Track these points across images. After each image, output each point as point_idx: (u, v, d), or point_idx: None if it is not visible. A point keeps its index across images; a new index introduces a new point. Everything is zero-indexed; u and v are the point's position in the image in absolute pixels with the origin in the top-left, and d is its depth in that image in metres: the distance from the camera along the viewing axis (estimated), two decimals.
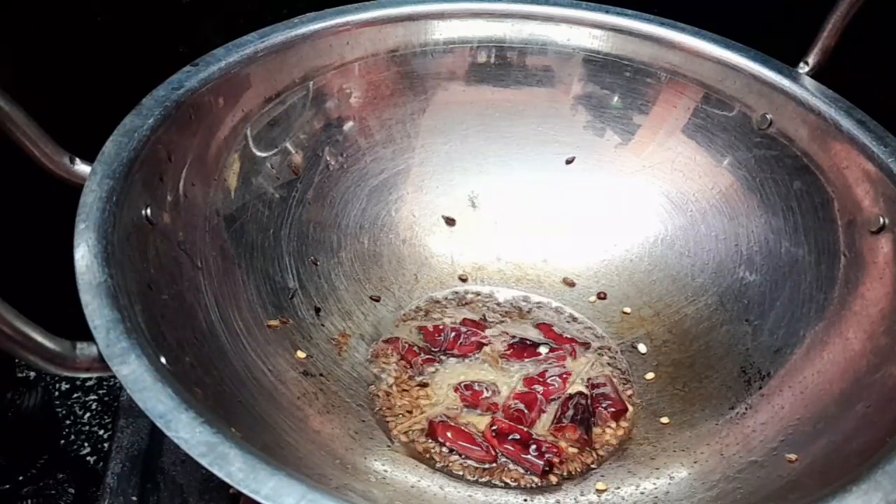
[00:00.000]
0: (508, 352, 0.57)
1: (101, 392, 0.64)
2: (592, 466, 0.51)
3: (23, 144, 0.47)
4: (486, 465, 0.50)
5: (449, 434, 0.51)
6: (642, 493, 0.48)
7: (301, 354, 0.53)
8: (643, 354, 0.58)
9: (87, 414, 0.63)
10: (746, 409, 0.51)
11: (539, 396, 0.54)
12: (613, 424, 0.53)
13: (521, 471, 0.50)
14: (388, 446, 0.50)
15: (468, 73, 0.64)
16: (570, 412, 0.53)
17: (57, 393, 0.64)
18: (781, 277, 0.56)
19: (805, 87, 0.57)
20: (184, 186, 0.50)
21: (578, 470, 0.50)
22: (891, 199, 0.51)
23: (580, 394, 0.54)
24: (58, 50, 0.61)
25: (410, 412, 0.53)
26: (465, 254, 0.64)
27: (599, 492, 0.48)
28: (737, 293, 0.58)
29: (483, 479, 0.49)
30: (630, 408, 0.54)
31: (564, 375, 0.55)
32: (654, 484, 0.48)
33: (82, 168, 0.47)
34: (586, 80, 0.64)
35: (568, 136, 0.65)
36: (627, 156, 0.64)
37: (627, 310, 0.61)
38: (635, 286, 0.62)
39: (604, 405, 0.54)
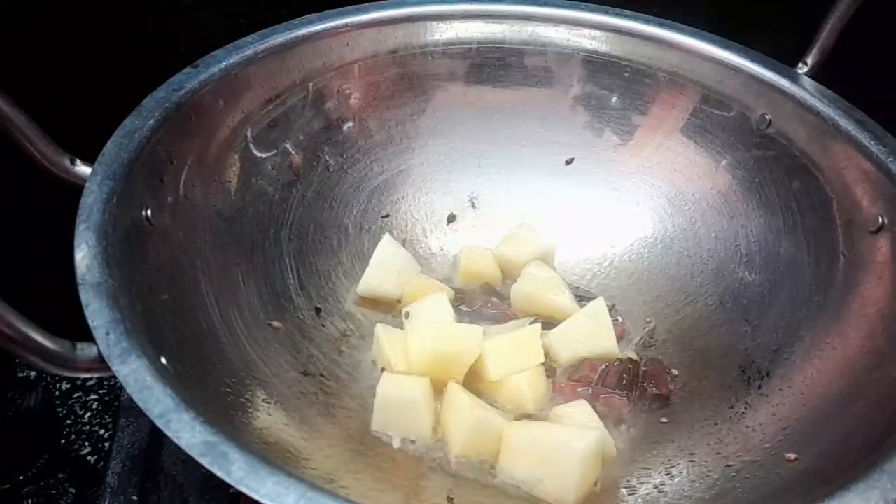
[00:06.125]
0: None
1: (101, 392, 0.64)
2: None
3: (23, 146, 0.47)
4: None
5: None
6: (641, 493, 0.48)
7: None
8: (643, 354, 0.58)
9: (88, 414, 0.63)
10: (746, 408, 0.51)
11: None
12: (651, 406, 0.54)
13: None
14: (389, 446, 0.50)
15: (468, 74, 0.64)
16: (613, 379, 0.53)
17: (57, 393, 0.65)
18: (781, 277, 0.56)
19: (804, 88, 0.57)
20: (184, 187, 0.50)
21: None
22: (889, 198, 0.51)
23: (629, 359, 0.55)
24: (58, 51, 0.61)
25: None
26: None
27: (595, 493, 0.48)
28: (736, 293, 0.58)
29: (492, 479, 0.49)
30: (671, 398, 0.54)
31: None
32: (654, 483, 0.48)
33: (83, 169, 0.48)
34: (585, 81, 0.64)
35: (567, 136, 0.65)
36: (626, 156, 0.64)
37: (627, 310, 0.61)
38: (635, 286, 0.62)
39: (648, 384, 0.54)
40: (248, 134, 0.56)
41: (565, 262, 0.64)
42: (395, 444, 0.50)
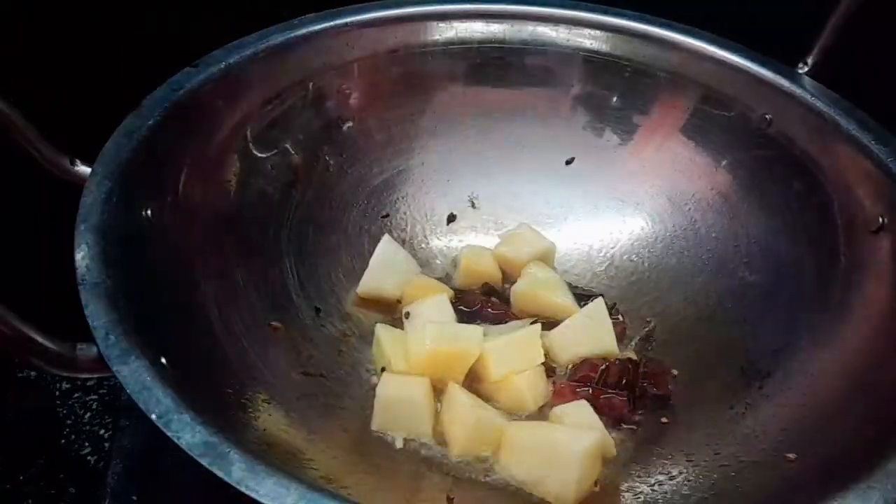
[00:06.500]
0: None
1: (101, 392, 0.64)
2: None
3: (23, 146, 0.47)
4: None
5: None
6: (641, 493, 0.48)
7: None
8: (643, 354, 0.58)
9: (88, 414, 0.63)
10: (746, 408, 0.51)
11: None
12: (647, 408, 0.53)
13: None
14: (389, 445, 0.50)
15: (468, 74, 0.64)
16: (613, 379, 0.53)
17: (57, 393, 0.64)
18: (781, 277, 0.56)
19: (804, 88, 0.57)
20: (183, 187, 0.50)
21: None
22: (890, 198, 0.51)
23: (629, 359, 0.54)
24: (58, 51, 0.61)
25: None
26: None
27: (595, 494, 0.48)
28: (737, 293, 0.58)
29: (488, 477, 0.49)
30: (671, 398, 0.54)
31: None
32: (654, 483, 0.48)
33: (82, 169, 0.48)
34: (586, 81, 0.64)
35: (568, 136, 0.65)
36: (627, 156, 0.64)
37: (627, 309, 0.61)
38: (635, 286, 0.62)
39: (649, 384, 0.54)
40: (248, 134, 0.56)
41: (565, 262, 0.64)
42: (397, 444, 0.50)
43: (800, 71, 0.59)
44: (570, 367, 0.55)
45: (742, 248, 0.59)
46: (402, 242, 0.63)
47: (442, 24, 0.62)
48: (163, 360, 0.38)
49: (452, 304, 0.57)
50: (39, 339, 0.38)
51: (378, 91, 0.63)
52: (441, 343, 0.51)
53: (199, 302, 0.48)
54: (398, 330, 0.55)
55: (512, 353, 0.52)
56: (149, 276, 0.44)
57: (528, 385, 0.52)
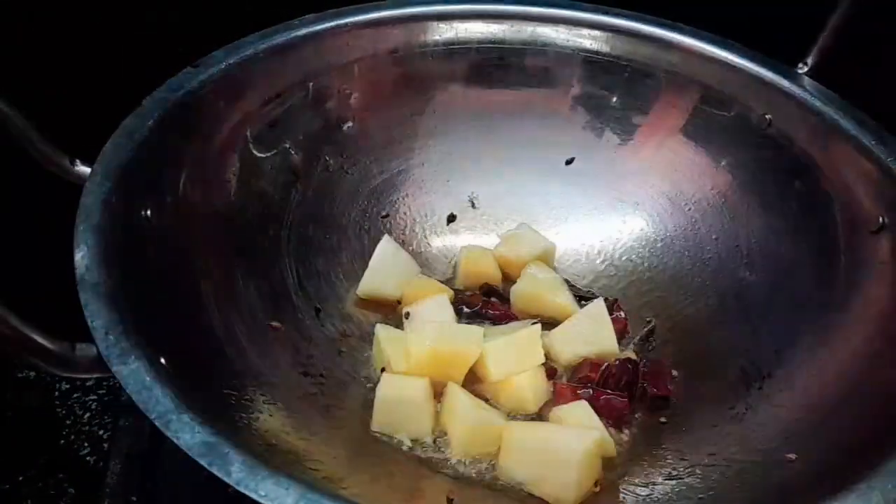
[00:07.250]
0: None
1: (100, 392, 0.64)
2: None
3: (23, 146, 0.47)
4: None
5: None
6: (641, 493, 0.48)
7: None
8: (643, 354, 0.58)
9: (87, 414, 0.63)
10: (746, 409, 0.51)
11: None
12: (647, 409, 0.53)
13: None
14: (389, 446, 0.50)
15: (468, 75, 0.64)
16: (613, 380, 0.53)
17: (57, 393, 0.64)
18: (781, 277, 0.56)
19: (804, 88, 0.57)
20: (183, 187, 0.50)
21: None
22: (890, 198, 0.51)
23: (629, 360, 0.54)
24: (58, 51, 0.61)
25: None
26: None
27: (595, 494, 0.48)
28: (737, 293, 0.58)
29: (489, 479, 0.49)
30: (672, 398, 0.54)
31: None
32: (653, 484, 0.48)
33: (82, 169, 0.48)
34: (585, 81, 0.64)
35: (567, 136, 0.65)
36: (627, 156, 0.64)
37: (627, 309, 0.61)
38: (635, 286, 0.62)
39: (649, 384, 0.54)
40: (248, 134, 0.56)
41: (565, 262, 0.64)
42: (396, 444, 0.50)
43: (799, 71, 0.59)
44: (570, 367, 0.55)
45: (742, 248, 0.59)
46: (402, 242, 0.62)
47: (442, 25, 0.62)
48: (162, 361, 0.38)
49: (452, 304, 0.57)
50: (39, 338, 0.38)
51: (378, 91, 0.63)
52: (441, 343, 0.51)
53: (199, 302, 0.48)
54: (398, 330, 0.55)
55: (512, 354, 0.52)
56: (148, 276, 0.44)
57: (529, 385, 0.52)
